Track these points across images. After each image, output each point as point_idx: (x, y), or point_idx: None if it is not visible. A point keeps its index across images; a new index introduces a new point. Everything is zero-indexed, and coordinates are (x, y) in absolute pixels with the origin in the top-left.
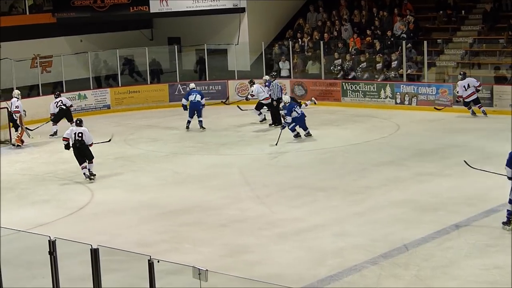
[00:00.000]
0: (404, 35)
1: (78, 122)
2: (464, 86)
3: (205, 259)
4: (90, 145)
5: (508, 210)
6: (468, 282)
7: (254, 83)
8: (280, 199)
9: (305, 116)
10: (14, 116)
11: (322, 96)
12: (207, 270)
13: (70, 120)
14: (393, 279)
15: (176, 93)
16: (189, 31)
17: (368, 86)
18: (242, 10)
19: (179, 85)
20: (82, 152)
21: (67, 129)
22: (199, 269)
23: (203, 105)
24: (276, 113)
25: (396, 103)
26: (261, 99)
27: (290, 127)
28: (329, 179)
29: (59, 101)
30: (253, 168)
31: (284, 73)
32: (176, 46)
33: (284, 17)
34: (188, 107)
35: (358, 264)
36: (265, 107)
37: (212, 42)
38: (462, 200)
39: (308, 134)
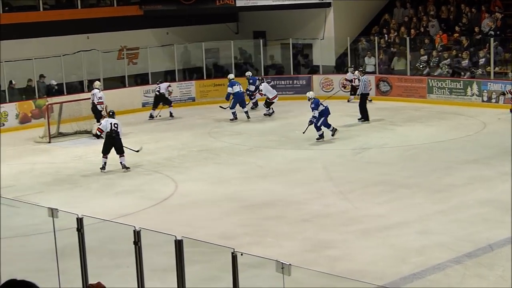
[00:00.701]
0: (492, 32)
1: (111, 113)
2: None
3: (287, 253)
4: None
5: None
6: None
7: (263, 81)
8: (364, 195)
9: (329, 113)
10: (99, 107)
11: (407, 92)
12: (290, 264)
13: (166, 103)
14: (477, 279)
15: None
16: (275, 25)
17: (454, 83)
18: (328, 4)
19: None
20: (116, 143)
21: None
22: (282, 263)
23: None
24: (363, 108)
25: (483, 101)
26: (270, 97)
27: (318, 123)
28: (413, 176)
29: (156, 87)
30: (336, 164)
31: (369, 68)
32: (261, 40)
33: (370, 13)
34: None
35: (441, 263)
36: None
37: (297, 36)
38: None
39: (334, 131)
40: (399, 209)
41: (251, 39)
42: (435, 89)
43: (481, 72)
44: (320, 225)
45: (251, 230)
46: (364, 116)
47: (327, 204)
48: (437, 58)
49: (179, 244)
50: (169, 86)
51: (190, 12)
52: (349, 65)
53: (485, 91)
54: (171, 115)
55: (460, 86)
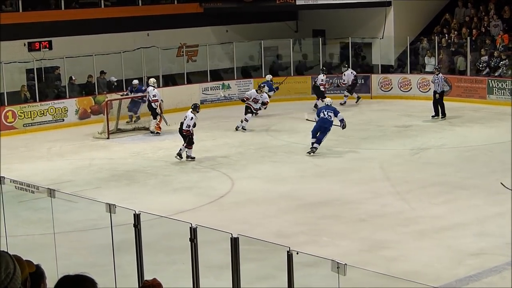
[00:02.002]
0: None
1: (193, 107)
2: None
3: (342, 252)
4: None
5: None
6: None
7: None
8: (421, 195)
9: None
10: (153, 105)
11: (467, 93)
12: (345, 264)
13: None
14: None
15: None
16: (334, 24)
17: None
18: (388, 3)
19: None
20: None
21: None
22: (338, 262)
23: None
24: (440, 105)
25: None
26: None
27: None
28: (471, 178)
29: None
30: (394, 164)
31: (429, 68)
32: (320, 39)
33: (430, 12)
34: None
35: (498, 265)
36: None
37: (357, 35)
38: None
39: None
40: (456, 210)
41: (310, 37)
42: (495, 89)
43: None
44: (376, 225)
45: (307, 229)
46: (442, 112)
47: (384, 204)
48: (498, 59)
49: (235, 242)
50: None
51: (250, 10)
52: (408, 64)
53: None
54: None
55: None
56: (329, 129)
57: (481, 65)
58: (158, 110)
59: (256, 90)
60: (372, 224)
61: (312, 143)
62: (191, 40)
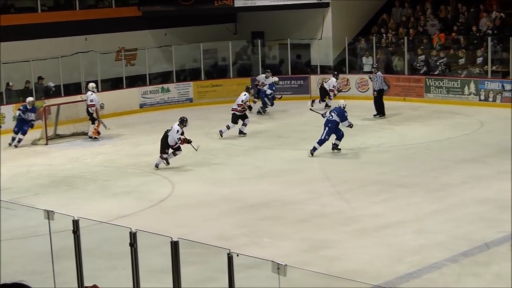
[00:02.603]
0: (490, 31)
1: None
2: None
3: (284, 253)
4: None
5: None
6: None
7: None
8: (361, 195)
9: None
10: (90, 110)
11: (405, 92)
12: (286, 264)
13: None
14: (473, 277)
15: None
16: (273, 26)
17: (452, 83)
18: (326, 5)
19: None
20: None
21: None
22: (278, 263)
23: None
24: (379, 103)
25: (480, 100)
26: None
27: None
28: (410, 176)
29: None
30: (333, 164)
31: (366, 68)
32: (259, 41)
33: (368, 12)
34: None
35: (438, 262)
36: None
37: (295, 36)
38: None
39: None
40: (396, 208)
41: (249, 39)
42: (433, 88)
43: (478, 71)
44: (317, 225)
45: (247, 230)
46: (381, 111)
47: (324, 204)
48: (437, 57)
49: (175, 246)
50: None
51: (188, 13)
52: (347, 65)
53: (482, 90)
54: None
55: (458, 85)
56: (336, 127)
57: (418, 64)
58: (94, 115)
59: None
60: (313, 224)
61: (332, 143)
62: (130, 44)
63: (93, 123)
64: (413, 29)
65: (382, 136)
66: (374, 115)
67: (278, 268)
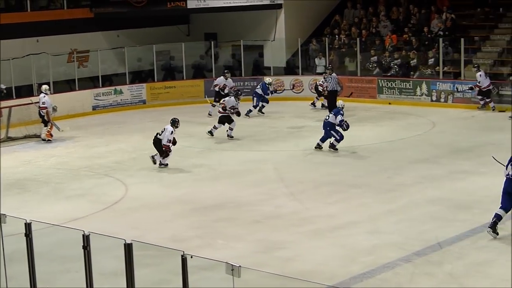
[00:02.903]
0: (441, 33)
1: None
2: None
3: (238, 255)
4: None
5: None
6: (501, 281)
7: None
8: (314, 195)
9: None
10: (41, 112)
11: (358, 93)
12: (240, 266)
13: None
14: (426, 276)
15: (212, 89)
16: (226, 27)
17: (404, 83)
18: (279, 6)
19: (214, 81)
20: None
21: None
22: (232, 265)
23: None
24: (331, 104)
25: (432, 100)
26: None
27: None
28: (363, 176)
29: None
30: (287, 164)
31: (320, 69)
32: (212, 42)
33: (321, 14)
34: None
35: (391, 261)
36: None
37: (248, 38)
38: (496, 198)
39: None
40: (349, 209)
41: (202, 41)
42: (385, 89)
43: (430, 72)
44: (271, 226)
45: (202, 232)
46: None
47: (278, 205)
48: (390, 58)
49: (128, 248)
50: None
51: (141, 15)
52: (300, 66)
53: (434, 91)
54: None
55: (410, 86)
56: (330, 128)
57: (371, 65)
58: (46, 118)
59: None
60: (267, 225)
61: (330, 142)
62: (82, 46)
63: (45, 126)
64: (365, 30)
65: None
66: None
67: (232, 270)
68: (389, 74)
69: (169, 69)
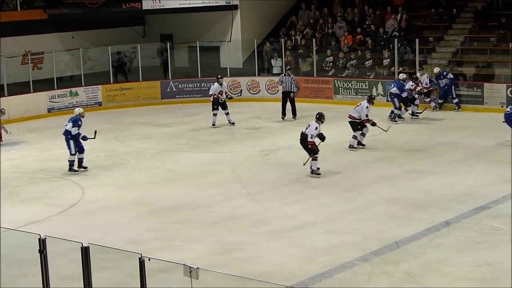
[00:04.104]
0: (396, 33)
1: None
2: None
3: (196, 256)
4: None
5: None
6: (458, 279)
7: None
8: (272, 196)
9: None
10: None
11: (314, 93)
12: (198, 267)
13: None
14: (384, 275)
15: (168, 90)
16: (182, 28)
17: (360, 84)
18: (234, 7)
19: (171, 82)
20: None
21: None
22: (190, 266)
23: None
24: (292, 105)
25: (387, 100)
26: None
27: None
28: (321, 177)
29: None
30: (245, 166)
31: (276, 70)
32: (168, 43)
33: (277, 15)
34: None
35: (349, 261)
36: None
37: (204, 39)
38: (452, 197)
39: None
40: (307, 209)
41: (158, 42)
42: (341, 89)
43: (386, 73)
44: (229, 227)
45: (160, 234)
46: (294, 113)
47: (236, 206)
48: (343, 59)
49: (85, 251)
50: None
51: (96, 16)
52: (256, 67)
53: (389, 90)
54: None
55: (366, 86)
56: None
57: (326, 66)
58: None
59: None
60: (225, 226)
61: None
62: (36, 47)
63: None
64: (321, 31)
65: (293, 137)
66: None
67: (190, 271)
68: (344, 75)
69: (124, 70)
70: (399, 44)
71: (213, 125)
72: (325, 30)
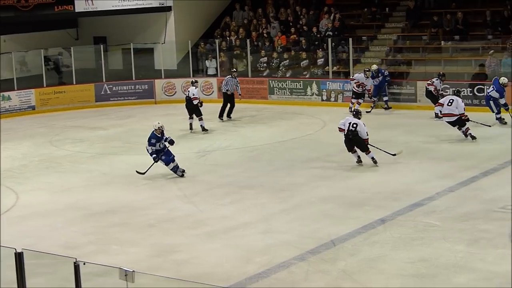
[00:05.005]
0: (330, 33)
1: (355, 113)
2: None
3: (132, 260)
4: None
5: None
6: (394, 275)
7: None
8: (208, 197)
9: None
10: None
11: (249, 94)
12: (133, 271)
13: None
14: (320, 274)
15: (102, 93)
16: (115, 31)
17: (295, 84)
18: (168, 8)
19: (105, 85)
20: (356, 142)
21: None
22: (125, 270)
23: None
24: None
25: (322, 100)
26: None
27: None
28: (256, 177)
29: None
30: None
31: (211, 71)
32: (102, 46)
33: (211, 16)
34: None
35: (286, 260)
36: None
37: (138, 41)
38: (387, 194)
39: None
40: (243, 209)
41: (91, 44)
42: (276, 89)
43: (320, 72)
44: (165, 229)
45: (95, 238)
46: (230, 112)
47: (172, 208)
48: (278, 59)
49: (19, 257)
50: None
51: (28, 19)
52: (191, 68)
53: (324, 90)
54: None
55: (300, 86)
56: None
57: (261, 67)
58: None
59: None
60: (161, 229)
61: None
62: None
63: None
64: (255, 32)
65: (228, 138)
66: (221, 118)
67: (125, 275)
68: (278, 75)
69: (58, 73)
70: (333, 44)
71: (204, 129)
72: (259, 30)
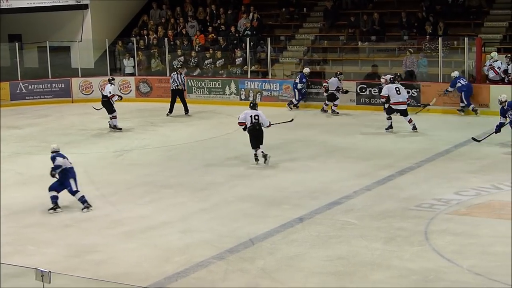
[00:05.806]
0: (248, 32)
1: (252, 105)
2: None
3: (49, 260)
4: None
5: None
6: (313, 273)
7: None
8: (126, 197)
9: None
10: None
11: (167, 93)
12: (50, 271)
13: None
14: (239, 273)
15: (18, 91)
16: (31, 28)
17: (213, 83)
18: (85, 6)
19: (20, 83)
20: (261, 134)
21: None
22: (41, 270)
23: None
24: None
25: (241, 99)
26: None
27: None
28: (175, 176)
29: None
30: (98, 167)
31: (128, 70)
32: (17, 44)
33: (128, 14)
34: None
35: (205, 260)
36: None
37: (55, 39)
38: (306, 193)
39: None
40: (162, 209)
41: (6, 42)
42: (195, 89)
43: (238, 72)
44: (83, 229)
45: (11, 239)
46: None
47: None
48: (196, 58)
49: None
50: None
51: None
52: (108, 67)
53: (242, 89)
54: None
55: (219, 85)
56: None
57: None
58: None
59: None
60: (79, 229)
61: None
62: None
63: None
64: (172, 31)
65: (147, 137)
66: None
67: (42, 276)
68: (196, 74)
69: None
70: (251, 43)
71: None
72: (177, 29)
